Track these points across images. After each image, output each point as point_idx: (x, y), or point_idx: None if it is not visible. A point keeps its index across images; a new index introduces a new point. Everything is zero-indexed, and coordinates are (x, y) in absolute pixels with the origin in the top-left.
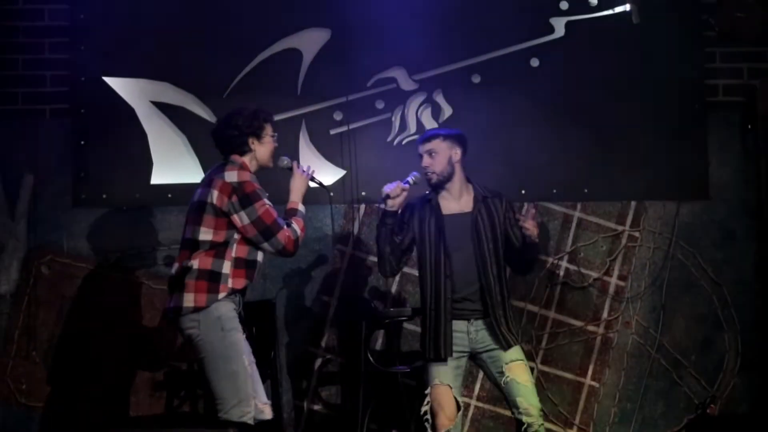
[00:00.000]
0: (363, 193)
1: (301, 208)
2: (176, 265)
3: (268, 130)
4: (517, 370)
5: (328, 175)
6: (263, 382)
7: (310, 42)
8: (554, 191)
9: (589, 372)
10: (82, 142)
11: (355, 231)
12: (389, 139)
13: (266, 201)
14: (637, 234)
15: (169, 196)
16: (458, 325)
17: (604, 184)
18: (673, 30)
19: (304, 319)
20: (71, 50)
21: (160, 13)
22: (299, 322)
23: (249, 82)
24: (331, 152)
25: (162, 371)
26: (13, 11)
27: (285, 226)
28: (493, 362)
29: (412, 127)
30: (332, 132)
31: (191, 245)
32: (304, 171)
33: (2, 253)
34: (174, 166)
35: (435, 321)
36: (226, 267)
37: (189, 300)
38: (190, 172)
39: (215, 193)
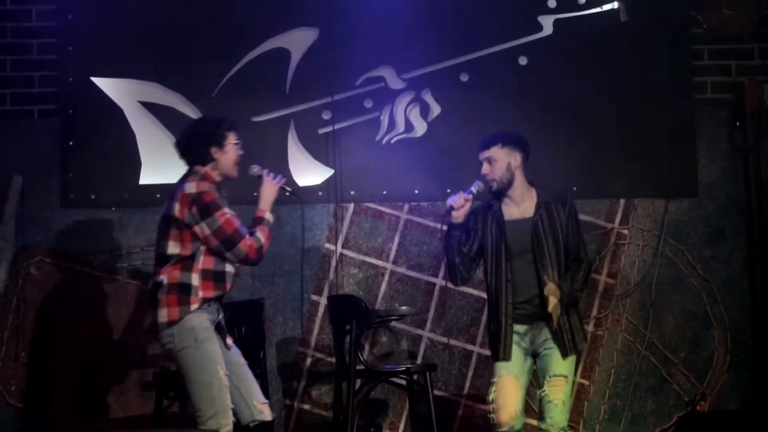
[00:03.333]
0: (352, 192)
1: (268, 216)
2: (151, 281)
3: (231, 138)
4: (556, 388)
5: (317, 174)
6: None
7: (298, 41)
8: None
9: (579, 370)
10: (71, 143)
11: (344, 230)
12: (378, 138)
13: (227, 210)
14: (626, 232)
15: (158, 196)
16: (521, 327)
17: (592, 182)
18: (661, 27)
19: (293, 319)
20: (59, 51)
21: (148, 13)
22: (288, 321)
23: (237, 81)
24: (319, 151)
25: (151, 372)
26: (0, 12)
27: (248, 235)
28: (542, 369)
29: (401, 126)
30: (321, 131)
31: (161, 260)
32: (274, 179)
33: None
34: (162, 166)
35: (497, 324)
36: (195, 279)
37: (163, 315)
38: (179, 173)
39: (176, 206)
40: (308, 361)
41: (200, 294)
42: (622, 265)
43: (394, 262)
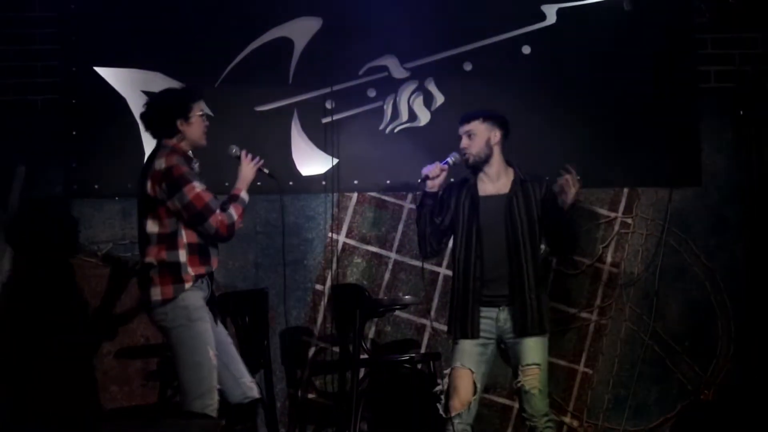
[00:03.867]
0: (355, 182)
1: (243, 195)
2: (139, 262)
3: (196, 109)
4: (530, 377)
5: (320, 163)
6: (257, 371)
7: (301, 31)
8: (546, 178)
9: (583, 359)
10: (74, 133)
11: (347, 220)
12: (381, 127)
13: (196, 184)
14: (629, 221)
15: None
16: (488, 312)
17: (596, 171)
18: (665, 16)
19: (297, 308)
20: (62, 41)
21: (150, 2)
22: (292, 311)
23: (240, 71)
24: (322, 141)
25: (155, 361)
26: (3, 2)
27: (218, 210)
28: (513, 359)
29: (404, 115)
30: (324, 120)
31: (145, 240)
32: (252, 160)
33: None
34: None
35: (462, 301)
36: (182, 256)
37: (157, 293)
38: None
39: (148, 184)
40: (312, 350)
41: (190, 271)
42: (625, 254)
43: (398, 252)
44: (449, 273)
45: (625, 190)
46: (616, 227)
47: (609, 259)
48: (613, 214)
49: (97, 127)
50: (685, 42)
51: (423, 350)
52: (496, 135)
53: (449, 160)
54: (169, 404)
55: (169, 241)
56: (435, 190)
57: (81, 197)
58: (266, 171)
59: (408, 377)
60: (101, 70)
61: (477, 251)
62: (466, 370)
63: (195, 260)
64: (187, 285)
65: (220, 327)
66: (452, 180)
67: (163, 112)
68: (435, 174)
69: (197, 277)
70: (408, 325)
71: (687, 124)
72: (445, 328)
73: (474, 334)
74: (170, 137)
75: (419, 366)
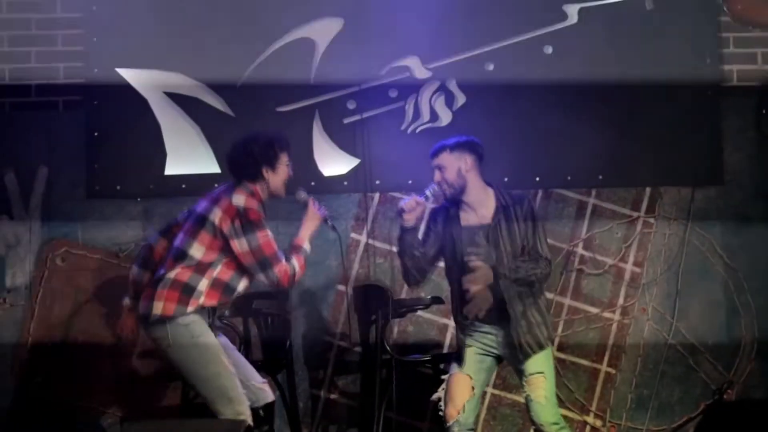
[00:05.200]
0: (377, 182)
1: (306, 246)
2: (160, 271)
3: (283, 159)
4: (535, 386)
5: (342, 164)
6: (279, 371)
7: (323, 31)
8: (569, 178)
9: (605, 358)
10: (96, 134)
11: (370, 220)
12: (403, 127)
13: (269, 232)
14: (652, 220)
15: (183, 186)
16: (488, 328)
17: (618, 171)
18: (687, 15)
19: (319, 309)
20: (84, 42)
21: (172, 4)
22: (314, 311)
23: (262, 72)
24: (344, 141)
25: None
26: (26, 3)
27: (284, 260)
28: (518, 370)
29: (426, 115)
30: (346, 121)
31: (178, 255)
32: (318, 209)
33: (17, 245)
34: (187, 156)
35: (457, 330)
36: (203, 284)
37: (158, 308)
38: (204, 163)
39: (219, 213)
40: (334, 350)
41: (201, 300)
42: (648, 253)
43: None
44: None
45: (648, 190)
46: (639, 227)
47: (631, 258)
48: (635, 214)
49: (119, 129)
50: (708, 41)
51: (446, 350)
52: (467, 162)
53: (426, 192)
54: (192, 405)
55: (202, 267)
56: (411, 224)
57: (103, 198)
58: (330, 223)
59: (430, 377)
60: (123, 72)
61: (459, 279)
62: (464, 376)
63: (214, 295)
64: (189, 309)
65: (221, 336)
66: (436, 208)
67: (252, 158)
68: (411, 207)
69: (202, 307)
70: (430, 325)
71: (709, 123)
72: None
73: (460, 364)
74: (253, 181)
75: (441, 366)
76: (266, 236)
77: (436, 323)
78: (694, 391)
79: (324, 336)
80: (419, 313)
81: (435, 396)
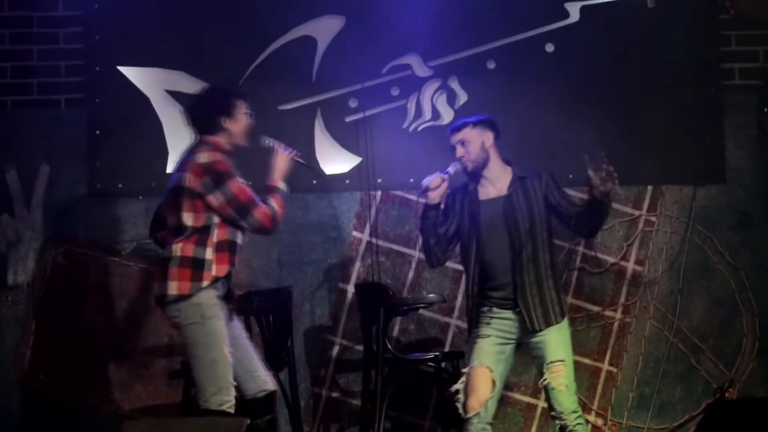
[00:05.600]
0: (379, 180)
1: (281, 185)
2: (164, 251)
3: (241, 107)
4: (556, 374)
5: (344, 162)
6: (280, 369)
7: (324, 29)
8: (570, 176)
9: (607, 357)
10: (98, 132)
11: (372, 218)
12: (405, 125)
13: (239, 179)
14: (653, 218)
15: None
16: (504, 313)
17: (620, 169)
18: (689, 13)
19: (321, 307)
20: (86, 40)
21: (174, 2)
22: (316, 309)
23: (264, 70)
24: (346, 139)
25: (179, 360)
26: (27, 1)
27: (261, 203)
28: (538, 358)
29: (428, 113)
30: (347, 119)
31: (175, 231)
32: (285, 150)
33: (19, 243)
34: None
35: (468, 305)
36: (209, 253)
37: (173, 288)
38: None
39: (188, 176)
40: (336, 349)
41: (213, 270)
42: (650, 252)
43: (422, 250)
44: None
45: (650, 188)
46: (641, 225)
47: (633, 257)
48: (637, 212)
49: (121, 127)
50: (709, 39)
51: (447, 349)
52: (489, 138)
53: (449, 169)
54: (193, 403)
55: (201, 236)
56: (437, 201)
57: (105, 196)
58: (302, 161)
59: (432, 376)
60: (125, 70)
61: (477, 256)
62: (484, 369)
63: (222, 258)
64: (204, 283)
65: (236, 321)
66: (453, 188)
67: (208, 108)
68: (435, 185)
69: (216, 279)
70: (432, 324)
71: (711, 122)
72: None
73: (475, 331)
74: (213, 134)
75: (443, 364)
76: (238, 183)
77: (438, 322)
78: (696, 389)
79: (325, 334)
80: (421, 311)
81: (454, 388)
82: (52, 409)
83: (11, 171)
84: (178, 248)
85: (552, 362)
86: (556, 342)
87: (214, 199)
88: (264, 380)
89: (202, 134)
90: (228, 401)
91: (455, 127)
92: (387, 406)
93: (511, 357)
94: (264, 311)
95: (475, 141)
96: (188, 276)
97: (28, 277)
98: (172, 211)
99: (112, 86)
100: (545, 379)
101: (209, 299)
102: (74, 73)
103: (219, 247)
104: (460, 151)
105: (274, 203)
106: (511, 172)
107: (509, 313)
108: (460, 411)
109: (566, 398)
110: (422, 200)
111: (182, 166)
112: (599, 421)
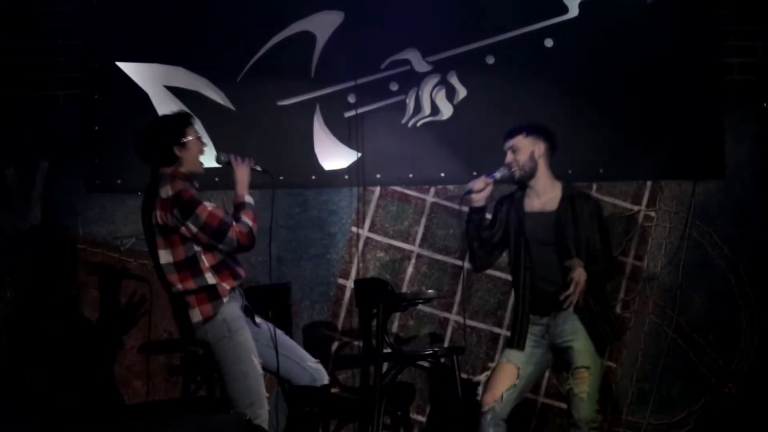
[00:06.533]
0: (377, 176)
1: (248, 199)
2: (169, 291)
3: (190, 133)
4: (580, 380)
5: (343, 157)
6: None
7: (323, 25)
8: (569, 171)
9: (606, 352)
10: (96, 128)
11: (370, 213)
12: (404, 121)
13: (207, 204)
14: (653, 214)
15: None
16: (540, 320)
17: (619, 165)
18: (688, 8)
19: (320, 303)
20: (84, 35)
21: None
22: (315, 305)
23: (262, 65)
24: (345, 135)
25: (178, 356)
26: None
27: (234, 223)
28: (565, 362)
29: (427, 109)
30: (346, 114)
31: (162, 271)
32: (242, 162)
33: (17, 238)
34: None
35: (515, 312)
36: (210, 278)
37: (197, 315)
38: (204, 157)
39: (157, 213)
40: (335, 345)
41: (225, 286)
42: (649, 247)
43: (421, 246)
44: (470, 267)
45: (649, 183)
46: (640, 220)
47: (632, 252)
48: (636, 207)
49: (120, 122)
50: (708, 34)
51: (446, 344)
52: (540, 148)
53: (496, 174)
54: (192, 399)
55: (190, 267)
56: (481, 204)
57: (103, 192)
58: (259, 168)
59: (431, 371)
60: (123, 65)
61: (526, 263)
62: (511, 366)
63: (225, 276)
64: (225, 299)
65: (264, 325)
66: (501, 195)
67: (158, 140)
68: (479, 188)
69: (232, 290)
70: (431, 319)
71: (710, 117)
72: (468, 322)
73: (520, 345)
74: (168, 165)
75: (442, 360)
76: (205, 209)
77: (437, 317)
78: (695, 384)
79: (325, 330)
80: (420, 307)
81: (476, 378)
82: (52, 407)
83: (10, 167)
84: (178, 285)
85: (577, 368)
86: (584, 348)
87: (187, 230)
88: (317, 369)
89: (158, 167)
90: (261, 414)
91: (509, 133)
92: (386, 401)
93: (541, 361)
94: (263, 307)
95: (526, 149)
96: (206, 299)
97: (27, 273)
98: (153, 252)
99: (110, 82)
100: (569, 384)
101: (233, 313)
102: (73, 69)
103: (216, 269)
104: (509, 157)
105: (247, 219)
106: (560, 188)
107: (544, 319)
108: (480, 403)
109: (586, 406)
110: (465, 204)
111: (149, 204)
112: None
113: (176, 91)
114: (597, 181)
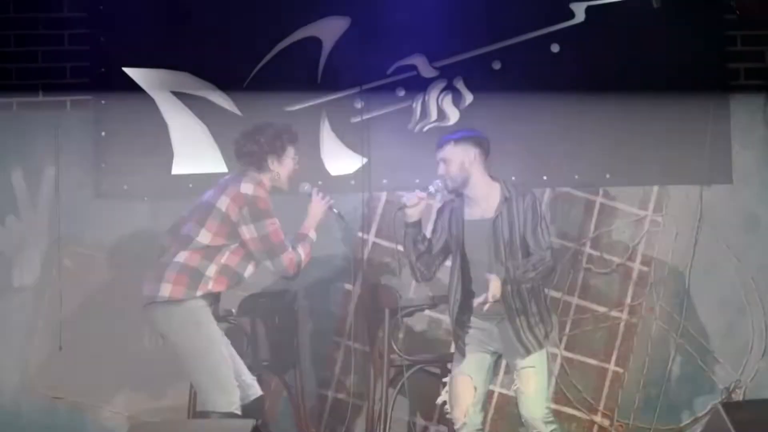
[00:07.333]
0: (384, 181)
1: (312, 234)
2: (167, 254)
3: (290, 152)
4: (525, 379)
5: (349, 163)
6: (286, 371)
7: (329, 30)
8: (576, 177)
9: (613, 358)
10: (103, 133)
11: (377, 219)
12: (410, 126)
13: (276, 221)
14: (659, 219)
15: (191, 186)
16: (484, 324)
17: (626, 170)
18: (694, 13)
19: (326, 308)
20: (91, 41)
21: (179, 3)
22: (321, 311)
23: (269, 71)
24: (351, 140)
25: None
26: (32, 2)
27: (290, 248)
28: (512, 364)
29: (433, 114)
30: (353, 120)
31: (186, 241)
32: (322, 199)
33: (24, 245)
34: (195, 156)
35: (450, 320)
36: (211, 270)
37: (165, 290)
38: (211, 162)
39: (227, 201)
40: (342, 350)
41: (210, 285)
42: (656, 252)
43: None
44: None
45: (656, 188)
46: (647, 225)
47: (639, 257)
48: (643, 213)
49: (127, 128)
50: (715, 39)
51: (453, 349)
52: (470, 156)
53: (430, 188)
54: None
55: (210, 252)
56: (415, 218)
57: (110, 198)
58: (335, 211)
59: (438, 377)
60: (130, 71)
61: (457, 276)
62: (465, 377)
63: (221, 280)
64: (198, 293)
65: None
66: (444, 203)
67: (259, 145)
68: (413, 203)
69: (210, 293)
70: (438, 325)
71: (717, 122)
72: None
73: (460, 350)
74: (259, 171)
75: (449, 365)
76: (274, 224)
77: (444, 322)
78: (703, 390)
79: (331, 336)
80: (427, 312)
81: (440, 399)
82: (59, 413)
83: (17, 172)
84: (182, 257)
85: (522, 368)
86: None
87: (247, 231)
88: (250, 385)
89: (248, 168)
90: (235, 402)
91: (439, 143)
92: (393, 407)
93: (493, 365)
94: (269, 313)
95: (456, 159)
96: (185, 282)
97: (34, 278)
98: (192, 223)
99: (117, 88)
100: (515, 385)
101: (201, 306)
102: (80, 75)
103: (223, 270)
104: (441, 168)
105: (302, 251)
106: (498, 190)
107: (488, 324)
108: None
109: (533, 404)
110: (400, 219)
111: (223, 188)
112: (605, 422)
113: (183, 97)
114: (604, 186)
